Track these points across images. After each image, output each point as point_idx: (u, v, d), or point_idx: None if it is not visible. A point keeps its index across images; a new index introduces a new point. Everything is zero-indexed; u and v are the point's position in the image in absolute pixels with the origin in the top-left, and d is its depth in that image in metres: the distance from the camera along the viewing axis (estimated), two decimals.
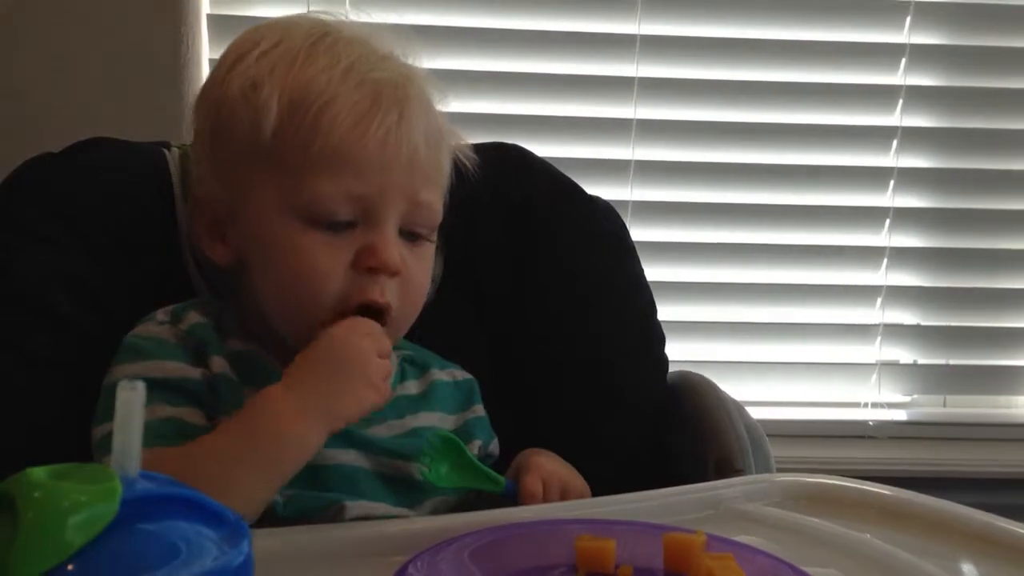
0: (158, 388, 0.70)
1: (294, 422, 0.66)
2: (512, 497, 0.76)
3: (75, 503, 0.33)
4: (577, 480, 0.79)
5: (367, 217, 0.73)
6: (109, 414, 0.70)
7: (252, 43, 0.75)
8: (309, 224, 0.72)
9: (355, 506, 0.73)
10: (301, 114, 0.71)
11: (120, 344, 0.75)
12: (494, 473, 0.77)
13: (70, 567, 0.33)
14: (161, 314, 0.77)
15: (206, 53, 1.34)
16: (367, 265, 0.72)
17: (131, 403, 0.35)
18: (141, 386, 0.36)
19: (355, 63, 0.74)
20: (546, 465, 0.78)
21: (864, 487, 0.74)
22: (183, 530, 0.36)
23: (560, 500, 0.75)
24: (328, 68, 0.73)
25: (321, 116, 0.71)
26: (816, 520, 0.68)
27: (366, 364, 0.69)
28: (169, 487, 0.36)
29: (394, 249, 0.73)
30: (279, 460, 0.66)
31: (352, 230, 0.73)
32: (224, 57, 0.77)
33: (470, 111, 1.36)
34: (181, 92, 1.29)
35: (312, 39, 0.75)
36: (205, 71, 1.33)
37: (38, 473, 0.34)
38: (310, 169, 0.71)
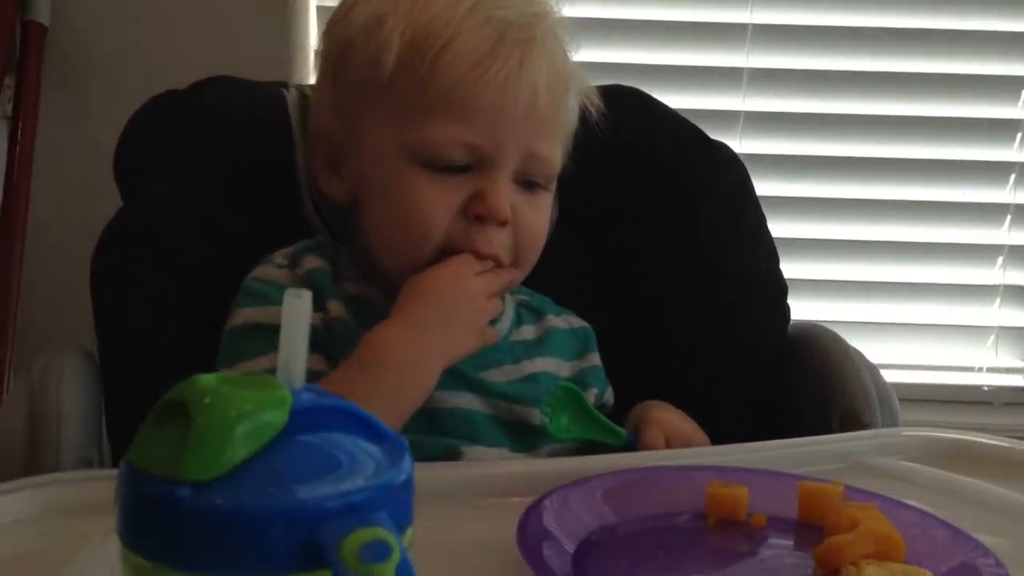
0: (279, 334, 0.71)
1: (412, 352, 0.67)
2: (632, 450, 0.75)
3: (244, 411, 0.33)
4: (700, 436, 0.77)
5: (480, 163, 0.71)
6: (232, 358, 0.72)
7: None
8: (421, 165, 0.70)
9: (472, 451, 0.72)
10: (421, 53, 0.69)
11: (241, 287, 0.75)
12: (615, 425, 0.76)
13: (237, 474, 0.32)
14: (279, 257, 0.77)
15: None
16: (475, 212, 0.71)
17: (296, 311, 0.35)
18: (307, 294, 0.35)
19: None
20: (668, 420, 0.76)
21: (1016, 446, 0.70)
22: (344, 443, 0.35)
23: None
24: (455, 3, 0.70)
25: (440, 57, 0.69)
26: (964, 478, 0.64)
27: (471, 300, 0.69)
28: (331, 399, 0.36)
29: (504, 198, 0.71)
30: (403, 391, 0.66)
31: (465, 174, 0.71)
32: None
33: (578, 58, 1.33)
34: (289, 37, 1.29)
35: None
36: (314, 16, 1.33)
37: (208, 379, 0.34)
38: (425, 112, 0.70)
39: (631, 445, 0.75)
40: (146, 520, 0.32)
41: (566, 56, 0.76)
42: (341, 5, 0.76)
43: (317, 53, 0.78)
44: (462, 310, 0.70)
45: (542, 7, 0.74)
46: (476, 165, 0.71)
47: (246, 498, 0.32)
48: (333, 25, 0.76)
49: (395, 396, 0.67)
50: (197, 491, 0.31)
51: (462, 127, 0.70)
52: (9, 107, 1.27)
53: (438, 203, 0.70)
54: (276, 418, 0.33)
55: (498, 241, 0.72)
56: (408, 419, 0.68)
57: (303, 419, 0.34)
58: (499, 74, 0.69)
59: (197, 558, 0.31)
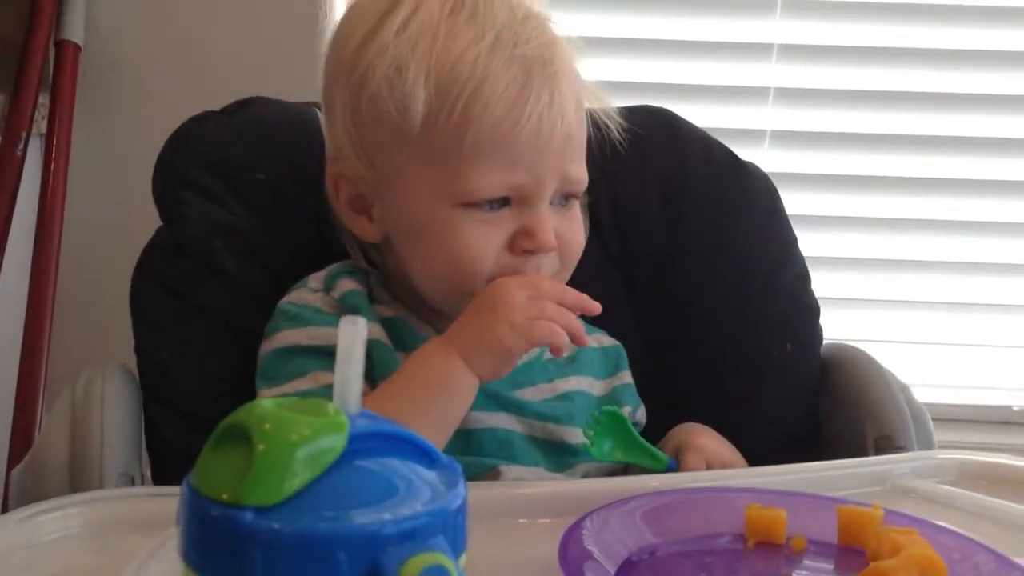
0: (319, 355, 0.72)
1: (444, 362, 0.67)
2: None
3: (304, 437, 0.33)
4: (740, 461, 0.77)
5: (522, 199, 0.71)
6: (272, 379, 0.71)
7: (385, 11, 0.71)
8: (462, 206, 0.70)
9: (511, 470, 0.73)
10: (451, 101, 0.69)
11: (275, 311, 0.76)
12: (656, 450, 0.76)
13: (298, 499, 0.33)
14: (313, 281, 0.77)
15: None
16: (524, 248, 0.71)
17: (352, 337, 0.35)
18: (362, 322, 0.35)
19: (500, 35, 0.70)
20: (709, 445, 0.77)
21: None
22: (400, 469, 0.35)
23: None
24: (474, 44, 0.69)
25: (472, 103, 0.68)
26: (1003, 502, 0.64)
27: (509, 302, 0.68)
28: (386, 424, 0.36)
29: (550, 229, 0.71)
30: (436, 403, 0.67)
31: (506, 208, 0.71)
32: (354, 23, 0.73)
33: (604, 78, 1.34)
34: (319, 57, 1.30)
35: (450, 5, 0.71)
36: None
37: (268, 404, 0.34)
38: (464, 160, 0.69)
39: (672, 470, 0.75)
40: (210, 542, 0.33)
41: (578, 73, 0.76)
42: (343, 42, 0.74)
43: (322, 91, 0.77)
44: (498, 312, 0.68)
45: (552, 32, 0.74)
46: (517, 200, 0.71)
47: (307, 523, 0.32)
48: (343, 69, 0.73)
49: (433, 409, 0.67)
50: (259, 515, 0.32)
51: (504, 171, 0.70)
52: (43, 125, 1.29)
53: (483, 243, 0.71)
54: (335, 444, 0.33)
55: (546, 266, 0.73)
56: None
57: (360, 445, 0.34)
58: (532, 115, 0.69)
59: None
